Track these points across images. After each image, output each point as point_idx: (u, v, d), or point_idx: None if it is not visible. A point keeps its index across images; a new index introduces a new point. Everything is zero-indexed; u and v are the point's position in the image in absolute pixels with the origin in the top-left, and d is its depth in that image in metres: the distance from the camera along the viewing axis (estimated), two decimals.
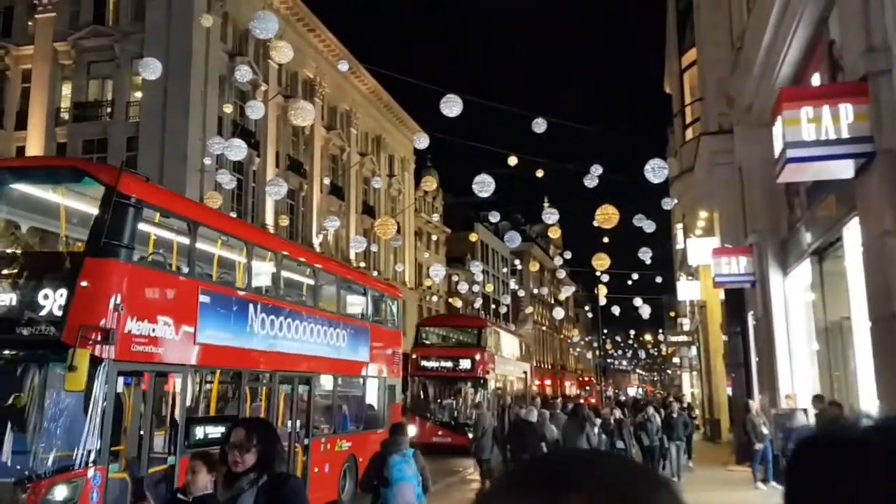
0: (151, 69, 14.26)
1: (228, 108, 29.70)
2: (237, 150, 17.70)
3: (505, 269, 75.22)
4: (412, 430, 19.84)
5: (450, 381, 24.52)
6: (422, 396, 24.58)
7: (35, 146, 32.28)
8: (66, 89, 33.20)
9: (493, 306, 64.22)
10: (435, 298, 59.16)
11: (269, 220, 35.89)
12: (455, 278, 53.70)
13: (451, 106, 17.31)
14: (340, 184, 45.28)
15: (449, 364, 24.32)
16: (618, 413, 16.09)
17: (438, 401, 24.73)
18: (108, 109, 32.61)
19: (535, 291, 65.17)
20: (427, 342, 26.33)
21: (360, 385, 15.48)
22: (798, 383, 14.08)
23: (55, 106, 32.93)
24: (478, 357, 24.20)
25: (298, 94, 38.69)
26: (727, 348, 21.81)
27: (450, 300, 57.99)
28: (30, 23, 33.85)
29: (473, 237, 53.37)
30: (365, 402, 15.55)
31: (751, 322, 17.44)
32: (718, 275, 16.25)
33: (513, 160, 21.96)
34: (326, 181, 42.41)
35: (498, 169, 20.50)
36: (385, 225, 26.07)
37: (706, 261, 20.83)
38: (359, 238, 30.42)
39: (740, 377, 18.87)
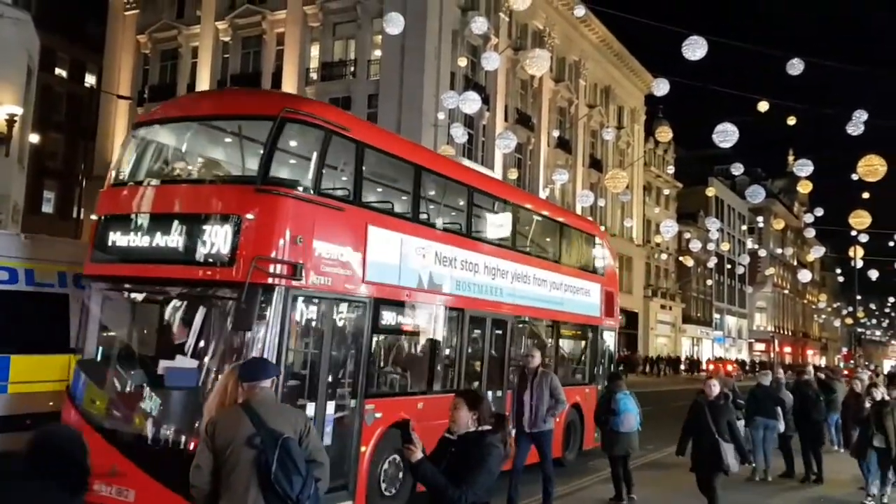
0: (394, 23, 14.63)
1: (463, 62, 30.11)
2: (471, 103, 17.78)
3: (742, 227, 70.40)
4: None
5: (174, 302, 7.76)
6: (97, 362, 7.95)
7: None
8: (315, 50, 35.53)
9: (728, 266, 60.50)
10: (664, 256, 56.82)
11: (498, 173, 36.27)
12: (687, 235, 51.12)
13: (695, 49, 16.04)
14: (568, 137, 44.59)
15: (166, 241, 7.36)
16: None
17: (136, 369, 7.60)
18: (352, 68, 34.45)
19: (778, 252, 60.40)
20: (133, 177, 8.21)
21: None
22: None
23: (305, 66, 35.41)
24: (253, 215, 7.05)
25: (528, 45, 38.34)
26: None
27: (680, 258, 55.44)
28: None
29: (710, 192, 50.29)
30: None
31: None
32: None
33: (763, 106, 20.02)
34: (554, 134, 41.94)
35: (738, 117, 18.77)
36: (615, 178, 25.19)
37: None
38: (586, 192, 29.73)
39: None
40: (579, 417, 12.92)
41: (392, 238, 8.61)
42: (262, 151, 7.46)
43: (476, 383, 10.23)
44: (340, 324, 8.10)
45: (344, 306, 8.06)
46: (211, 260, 7.04)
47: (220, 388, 4.19)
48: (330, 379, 7.72)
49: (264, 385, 4.01)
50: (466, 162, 33.62)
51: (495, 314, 10.73)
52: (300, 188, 7.46)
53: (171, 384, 6.96)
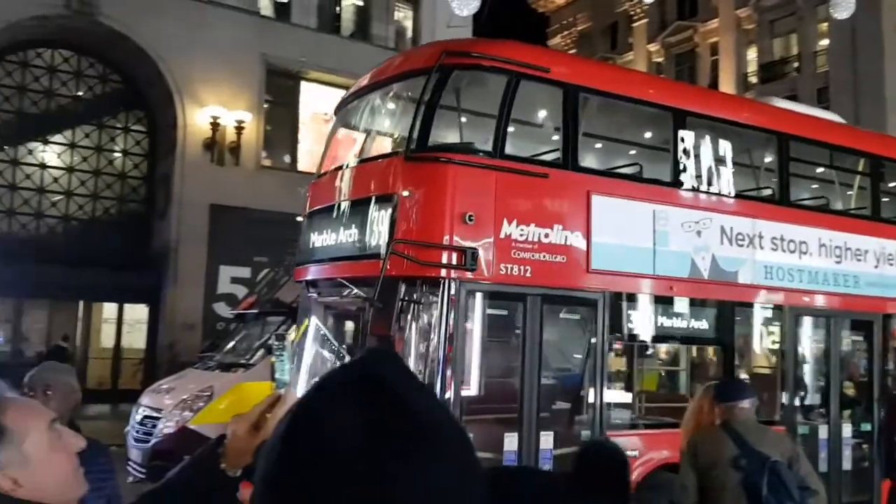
0: (843, 6, 13.30)
1: None
2: None
3: None
4: None
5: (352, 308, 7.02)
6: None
7: None
8: (751, 53, 33.98)
9: None
10: None
11: None
12: None
13: None
14: None
15: (340, 235, 6.47)
16: None
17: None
18: (795, 64, 32.13)
19: None
20: (320, 171, 7.61)
21: None
22: None
23: (742, 72, 34.03)
24: (408, 192, 5.78)
25: None
26: None
27: None
28: None
29: None
30: None
31: None
32: None
33: None
34: None
35: None
36: None
37: None
38: None
39: None
40: None
41: (637, 210, 6.32)
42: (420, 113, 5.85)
43: (809, 411, 7.63)
44: (554, 329, 6.29)
45: (558, 305, 6.16)
46: (374, 252, 5.78)
47: (696, 409, 4.31)
48: (541, 403, 5.80)
49: (744, 406, 3.99)
50: None
51: (845, 313, 7.74)
52: (473, 152, 5.83)
53: None
